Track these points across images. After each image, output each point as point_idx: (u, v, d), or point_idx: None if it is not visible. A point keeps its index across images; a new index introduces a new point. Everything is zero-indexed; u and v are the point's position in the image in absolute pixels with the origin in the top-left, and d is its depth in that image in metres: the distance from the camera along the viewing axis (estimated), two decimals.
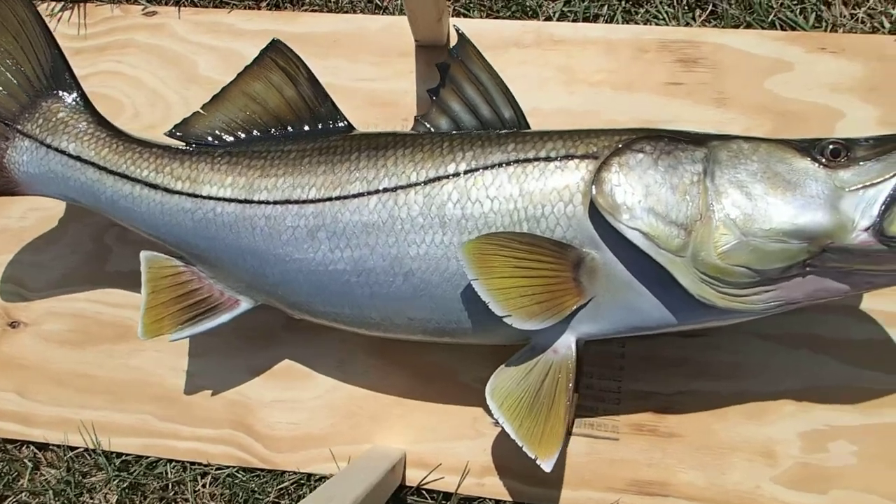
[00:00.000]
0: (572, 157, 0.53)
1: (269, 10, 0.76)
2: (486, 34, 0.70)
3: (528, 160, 0.53)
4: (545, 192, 0.52)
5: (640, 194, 0.50)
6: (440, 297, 0.54)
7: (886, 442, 0.61)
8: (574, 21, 0.71)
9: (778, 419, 0.62)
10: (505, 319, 0.50)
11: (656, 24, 0.71)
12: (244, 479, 0.68)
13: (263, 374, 0.68)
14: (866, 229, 0.46)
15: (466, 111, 0.59)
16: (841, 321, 0.63)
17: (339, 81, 0.71)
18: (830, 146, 0.48)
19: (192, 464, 0.69)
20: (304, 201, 0.56)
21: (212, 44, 0.74)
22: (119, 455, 0.69)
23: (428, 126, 0.60)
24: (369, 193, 0.55)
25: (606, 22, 0.72)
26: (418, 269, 0.54)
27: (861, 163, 0.48)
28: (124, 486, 0.68)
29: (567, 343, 0.53)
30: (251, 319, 0.67)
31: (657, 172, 0.50)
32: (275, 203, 0.56)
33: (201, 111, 0.62)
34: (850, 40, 0.66)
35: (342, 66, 0.72)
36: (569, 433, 0.64)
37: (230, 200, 0.57)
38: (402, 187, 0.54)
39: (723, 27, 0.70)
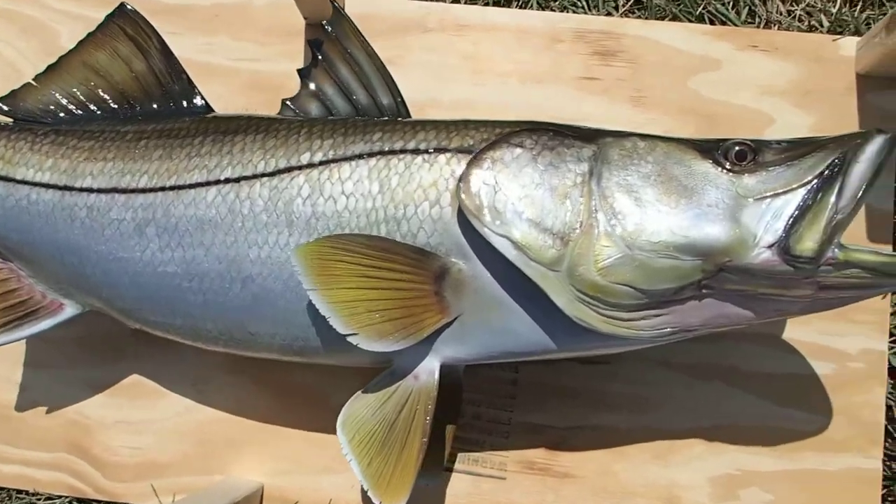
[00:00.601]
0: (444, 150, 0.45)
1: None
2: (384, 14, 0.62)
3: (393, 152, 0.45)
4: (409, 190, 0.44)
5: (513, 196, 0.42)
6: (283, 308, 0.45)
7: (805, 491, 0.54)
8: (484, 5, 0.64)
9: (685, 460, 0.55)
10: (350, 339, 0.42)
11: (574, 12, 0.64)
12: None
13: (107, 390, 0.59)
14: (770, 246, 0.39)
15: (340, 95, 0.51)
16: (760, 352, 0.56)
17: (219, 60, 0.63)
18: (736, 148, 0.41)
19: (19, 492, 0.59)
20: (133, 190, 0.47)
21: (77, 12, 0.65)
22: None
23: (296, 111, 0.52)
24: (208, 184, 0.47)
25: (520, 7, 0.64)
26: (258, 274, 0.45)
27: (770, 168, 0.41)
28: None
29: (429, 368, 0.45)
30: (96, 327, 0.58)
31: (535, 171, 0.42)
32: (99, 191, 0.48)
33: (33, 83, 0.53)
34: (785, 39, 0.60)
35: (223, 43, 0.63)
36: (449, 469, 0.56)
37: (48, 186, 0.49)
38: (246, 178, 0.46)
39: (647, 18, 0.63)
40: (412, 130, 0.46)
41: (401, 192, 0.44)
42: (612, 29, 0.61)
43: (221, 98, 0.62)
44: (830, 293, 0.40)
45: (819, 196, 0.39)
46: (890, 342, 0.56)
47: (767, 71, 0.59)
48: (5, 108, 0.53)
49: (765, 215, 0.39)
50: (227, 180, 0.46)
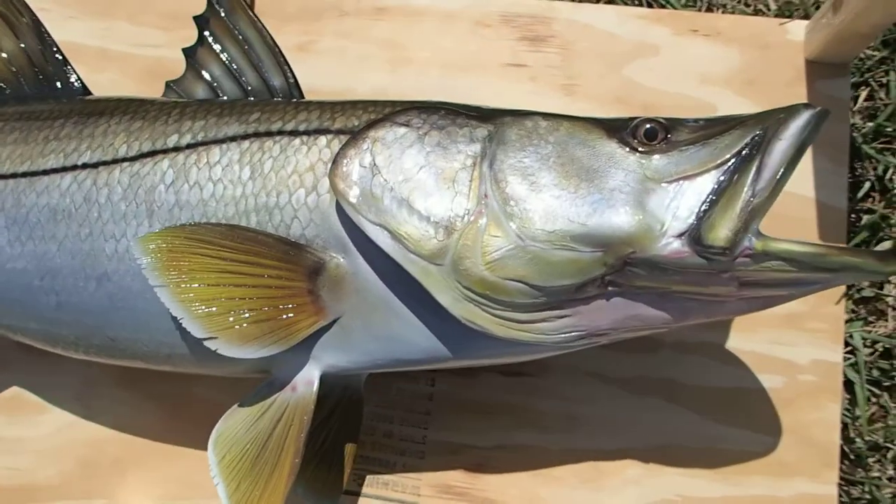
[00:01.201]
0: (326, 131, 0.40)
1: None
2: None
3: (269, 134, 0.40)
4: (283, 175, 0.39)
5: (393, 180, 0.37)
6: (143, 310, 0.40)
7: None
8: None
9: (619, 485, 0.49)
10: (207, 343, 0.37)
11: None
12: None
13: None
14: (679, 235, 0.34)
15: (228, 77, 0.46)
16: (702, 363, 0.50)
17: (117, 46, 0.58)
18: (646, 126, 0.36)
19: None
20: None
21: None
22: None
23: (180, 94, 0.47)
24: (64, 170, 0.41)
25: None
26: (115, 271, 0.40)
27: (683, 148, 0.35)
28: None
29: (308, 378, 0.40)
30: None
31: (421, 153, 0.37)
32: None
33: None
34: (728, 22, 0.55)
35: (121, 28, 0.59)
36: (355, 493, 0.50)
37: None
38: (105, 163, 0.41)
39: (580, 1, 0.58)
40: (294, 111, 0.41)
41: (274, 177, 0.39)
42: (542, 13, 0.56)
43: (117, 84, 0.57)
44: (755, 291, 0.35)
45: (735, 178, 0.33)
46: (845, 353, 0.50)
47: (709, 57, 0.54)
48: None
49: (674, 200, 0.34)
50: (85, 165, 0.41)
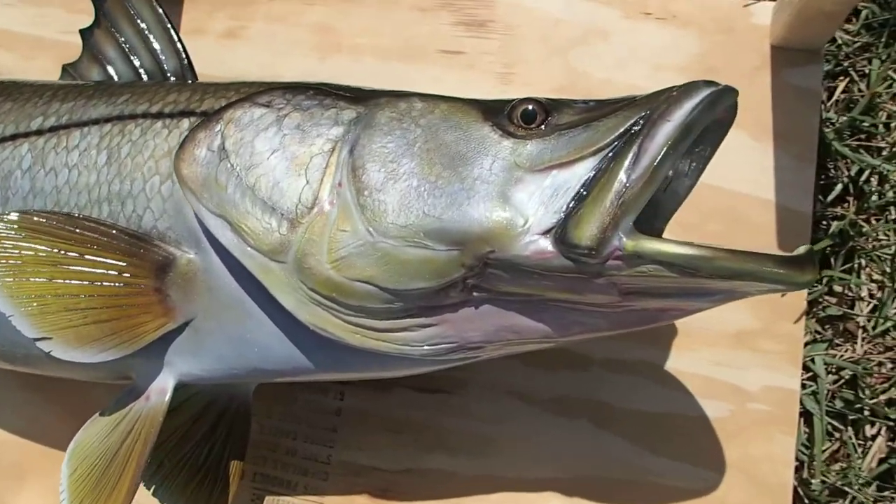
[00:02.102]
0: (191, 113, 0.36)
1: None
2: None
3: (133, 116, 0.37)
4: (139, 161, 0.36)
5: (241, 165, 0.33)
6: None
7: None
8: None
9: None
10: (40, 344, 0.33)
11: None
12: None
13: None
14: (545, 232, 0.29)
15: (123, 59, 0.43)
16: (638, 386, 0.44)
17: (49, 34, 0.56)
18: (522, 107, 0.31)
19: None
20: None
21: None
22: None
23: (75, 77, 0.44)
24: None
25: None
26: None
27: (563, 132, 0.30)
28: None
29: (161, 387, 0.36)
30: None
31: (277, 136, 0.33)
32: None
33: None
34: (684, 5, 0.49)
35: (55, 15, 0.57)
36: None
37: None
38: None
39: None
40: (165, 92, 0.38)
41: (130, 163, 0.36)
42: None
43: (48, 73, 0.55)
44: (643, 301, 0.29)
45: (611, 165, 0.28)
46: (805, 379, 0.44)
47: (663, 43, 0.49)
48: None
49: (543, 192, 0.29)
50: None
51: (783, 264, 0.27)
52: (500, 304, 0.31)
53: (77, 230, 0.33)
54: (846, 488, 0.40)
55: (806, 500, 0.42)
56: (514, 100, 0.32)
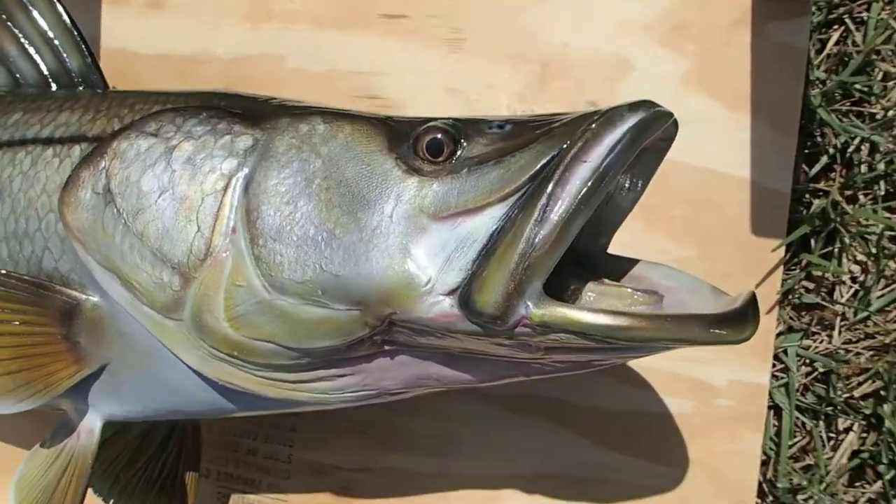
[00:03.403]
0: (82, 138, 0.33)
1: None
2: None
3: (23, 143, 0.34)
4: (33, 196, 0.33)
5: (127, 210, 0.30)
6: None
7: None
8: None
9: None
10: None
11: None
12: None
13: None
14: (450, 293, 0.26)
15: (24, 57, 0.39)
16: (599, 382, 0.42)
17: None
18: (429, 137, 0.27)
19: None
20: None
21: None
22: None
23: None
24: None
25: None
26: None
27: (473, 169, 0.26)
28: None
29: (89, 426, 0.35)
30: None
31: (165, 172, 0.30)
32: None
33: None
34: None
35: None
36: None
37: None
38: None
39: None
40: (57, 109, 0.34)
41: (23, 198, 0.33)
42: None
43: None
44: (564, 356, 0.27)
45: (519, 216, 0.25)
46: (777, 371, 0.41)
47: None
48: None
49: (447, 245, 0.26)
50: None
51: (714, 324, 0.24)
52: (415, 355, 0.28)
53: None
54: (809, 487, 0.38)
55: (770, 497, 0.40)
56: (421, 122, 0.28)
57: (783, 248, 0.40)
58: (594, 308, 0.24)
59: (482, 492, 0.44)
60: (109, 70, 0.41)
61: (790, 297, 0.41)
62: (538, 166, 0.25)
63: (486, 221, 0.25)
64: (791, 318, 0.41)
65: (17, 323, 0.32)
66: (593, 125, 0.25)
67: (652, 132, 0.25)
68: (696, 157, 0.42)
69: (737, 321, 0.25)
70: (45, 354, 0.32)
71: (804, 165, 0.42)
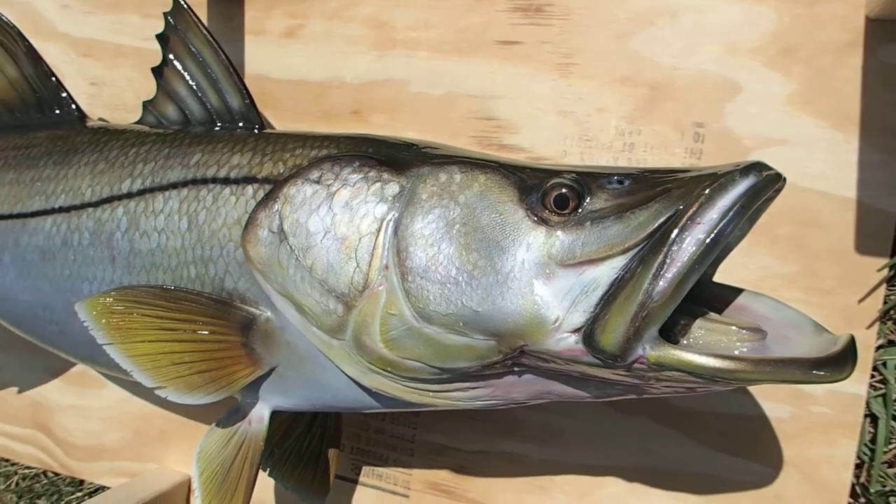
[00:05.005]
0: (253, 180, 0.39)
1: None
2: None
3: (204, 181, 0.40)
4: (215, 227, 0.39)
5: (298, 247, 0.35)
6: None
7: None
8: None
9: (600, 501, 0.48)
10: (157, 392, 0.40)
11: None
12: (50, 480, 0.65)
13: (61, 376, 0.63)
14: (576, 331, 0.30)
15: (193, 97, 0.46)
16: None
17: (129, 41, 0.59)
18: (557, 192, 0.31)
19: (4, 460, 0.66)
20: None
21: None
22: None
23: (155, 115, 0.48)
24: (45, 213, 0.45)
25: None
26: None
27: (596, 222, 0.30)
28: None
29: (260, 415, 0.42)
30: None
31: (328, 215, 0.35)
32: None
33: None
34: None
35: (132, 21, 0.59)
36: (354, 481, 0.54)
37: None
38: (75, 207, 0.44)
39: None
40: (229, 153, 0.41)
41: (207, 230, 0.40)
42: None
43: (133, 82, 0.59)
44: (673, 384, 0.30)
45: (638, 269, 0.28)
46: (875, 382, 0.43)
47: (733, 22, 0.44)
48: None
49: (573, 290, 0.30)
50: (61, 209, 0.44)
51: (814, 367, 0.27)
52: (540, 375, 0.33)
53: (170, 300, 0.38)
54: None
55: (862, 499, 0.43)
56: (548, 175, 0.32)
57: (888, 268, 0.42)
58: (704, 351, 0.28)
59: (586, 478, 0.48)
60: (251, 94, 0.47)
61: (893, 312, 0.42)
62: (656, 224, 0.29)
63: (608, 271, 0.29)
64: (891, 332, 0.43)
65: (206, 332, 0.39)
66: (707, 190, 0.28)
67: (762, 196, 0.28)
68: (801, 177, 0.43)
69: (835, 365, 0.28)
70: (227, 358, 0.39)
71: None
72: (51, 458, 0.64)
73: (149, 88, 0.57)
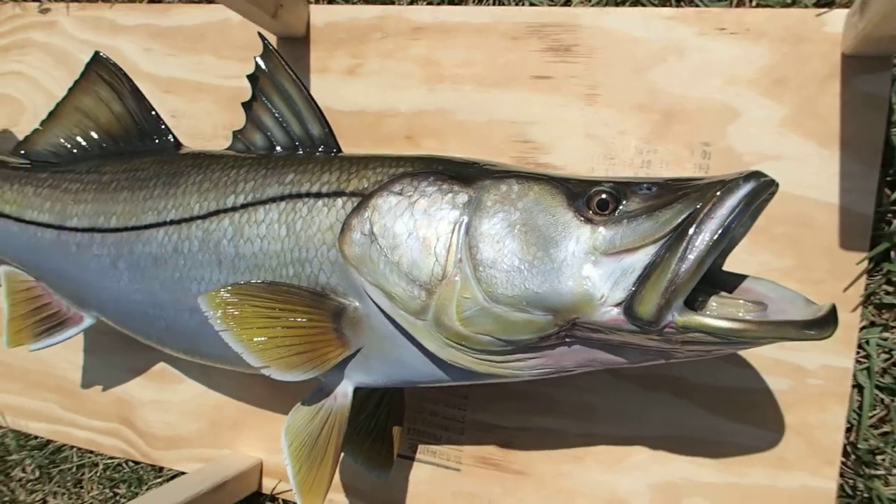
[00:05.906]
0: (342, 194, 0.47)
1: (150, 1, 0.73)
2: (342, 22, 0.63)
3: (300, 196, 0.49)
4: (311, 233, 0.48)
5: (387, 246, 0.44)
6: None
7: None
8: (439, 3, 0.63)
9: (629, 468, 0.56)
10: (262, 371, 0.47)
11: (531, 5, 0.60)
12: (131, 469, 0.72)
13: (142, 374, 0.71)
14: (617, 304, 0.38)
15: (279, 127, 0.55)
16: (711, 364, 0.54)
17: (208, 79, 0.68)
18: (597, 197, 0.40)
19: (90, 451, 0.74)
20: (107, 230, 0.55)
21: (94, 41, 0.73)
22: (34, 437, 0.76)
23: (244, 143, 0.56)
24: (158, 225, 0.53)
25: (477, 3, 0.62)
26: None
27: (631, 220, 0.39)
28: (40, 464, 0.75)
29: (344, 391, 0.50)
30: None
31: (410, 220, 0.44)
32: (83, 230, 0.56)
33: (39, 127, 0.62)
34: (757, 17, 0.53)
35: (209, 62, 0.69)
36: (410, 458, 0.62)
37: (47, 226, 0.58)
38: (185, 220, 0.52)
39: (604, 5, 0.58)
40: (319, 172, 0.49)
41: (303, 235, 0.48)
42: (568, 20, 0.57)
43: (211, 114, 0.68)
44: (697, 347, 0.39)
45: (666, 254, 0.37)
46: (861, 357, 0.51)
47: (734, 57, 0.53)
48: (23, 152, 0.62)
49: (614, 272, 0.38)
50: (172, 222, 0.52)
51: (804, 327, 0.35)
52: (587, 344, 0.41)
53: (276, 293, 0.47)
54: (887, 447, 0.48)
55: (853, 457, 0.51)
56: (590, 184, 0.40)
57: (867, 260, 0.50)
58: (719, 315, 0.36)
59: (615, 448, 0.56)
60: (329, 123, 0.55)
61: (872, 298, 0.51)
62: (679, 220, 0.37)
63: (642, 257, 0.38)
64: (873, 314, 0.51)
65: (304, 320, 0.47)
66: (718, 193, 0.37)
67: (761, 197, 0.36)
68: (795, 186, 0.52)
69: (821, 325, 0.36)
70: (322, 341, 0.47)
71: (887, 190, 0.51)
72: (133, 449, 0.71)
73: (224, 120, 0.67)
